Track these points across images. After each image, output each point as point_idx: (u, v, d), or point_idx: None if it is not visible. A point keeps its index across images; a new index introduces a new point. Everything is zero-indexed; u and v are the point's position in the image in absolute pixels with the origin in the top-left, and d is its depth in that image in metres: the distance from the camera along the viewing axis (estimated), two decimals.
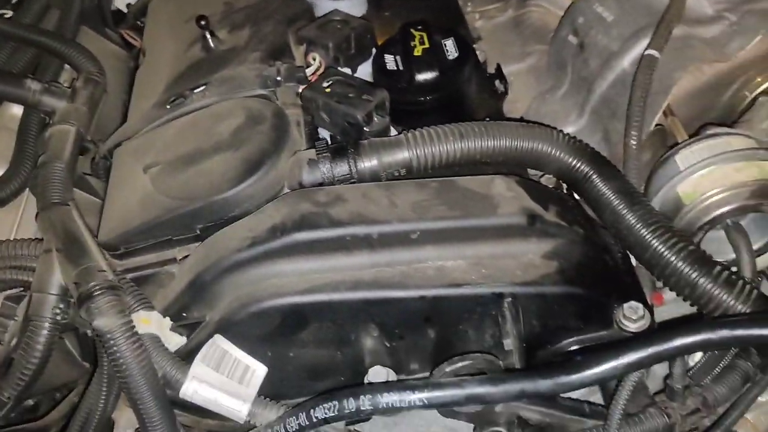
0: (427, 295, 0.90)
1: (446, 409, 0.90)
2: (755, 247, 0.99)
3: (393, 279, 0.91)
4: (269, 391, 0.90)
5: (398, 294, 0.90)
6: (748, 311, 0.86)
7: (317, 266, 0.92)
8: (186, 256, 1.02)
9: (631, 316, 0.90)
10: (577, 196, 1.04)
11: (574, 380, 0.78)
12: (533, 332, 0.93)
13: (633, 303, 0.91)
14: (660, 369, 0.97)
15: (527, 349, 0.93)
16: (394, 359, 0.95)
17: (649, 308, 0.93)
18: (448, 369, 0.84)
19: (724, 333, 0.75)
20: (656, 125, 1.11)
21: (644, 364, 0.77)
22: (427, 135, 1.00)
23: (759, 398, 1.01)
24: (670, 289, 0.91)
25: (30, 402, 1.16)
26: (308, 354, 0.94)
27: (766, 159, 0.95)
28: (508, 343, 0.90)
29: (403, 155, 1.00)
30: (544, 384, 0.78)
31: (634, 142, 1.03)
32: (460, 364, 0.84)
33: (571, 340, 0.95)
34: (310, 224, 0.93)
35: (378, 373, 0.89)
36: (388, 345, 0.94)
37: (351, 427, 0.92)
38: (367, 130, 1.07)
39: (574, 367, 0.78)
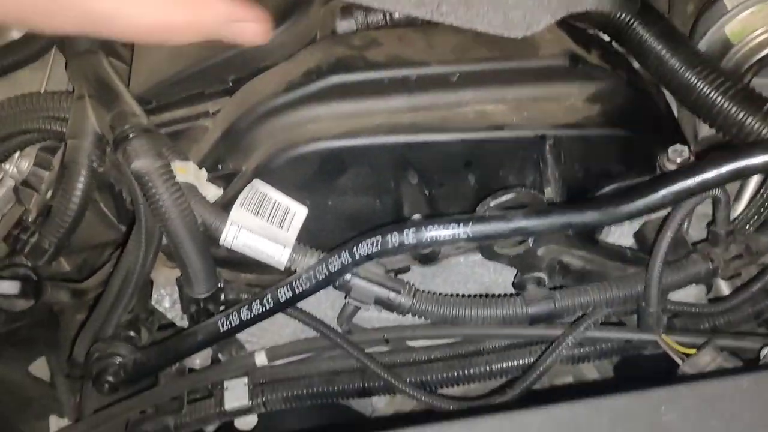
0: (467, 139, 0.88)
1: (489, 250, 0.90)
2: None
3: (432, 122, 0.89)
4: (308, 243, 0.90)
5: (438, 138, 0.89)
6: None
7: (354, 110, 0.90)
8: (219, 110, 1.00)
9: (676, 159, 0.88)
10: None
11: (622, 210, 0.77)
12: (575, 177, 0.92)
13: (678, 146, 0.89)
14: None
15: (568, 197, 0.91)
16: (434, 208, 0.94)
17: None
18: (492, 203, 0.83)
19: None
20: None
21: (694, 190, 0.75)
22: None
23: None
24: (717, 131, 0.89)
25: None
26: (347, 202, 0.93)
27: None
28: (549, 191, 0.89)
29: None
30: (591, 215, 0.77)
31: None
32: (504, 198, 0.83)
33: (613, 186, 0.94)
34: (346, 66, 0.91)
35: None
36: (428, 193, 0.93)
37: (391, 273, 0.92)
38: None
39: (622, 198, 0.77)
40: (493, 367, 0.96)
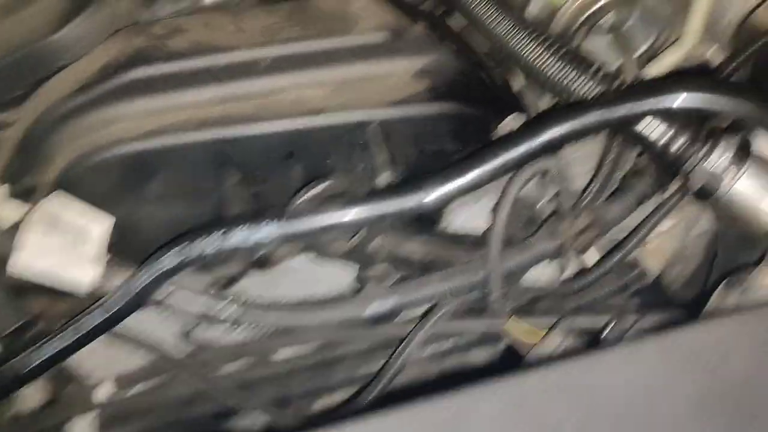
0: (285, 129, 0.81)
1: (320, 247, 0.82)
2: (639, 51, 0.92)
3: (245, 113, 0.81)
4: (127, 257, 0.80)
5: (253, 130, 0.81)
6: None
7: (159, 105, 0.81)
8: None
9: (507, 128, 0.82)
10: None
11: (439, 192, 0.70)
12: (411, 158, 0.85)
13: (514, 115, 0.83)
14: None
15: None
16: (264, 204, 0.86)
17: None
18: (306, 195, 0.75)
19: (595, 114, 0.68)
20: None
21: (520, 162, 0.69)
22: None
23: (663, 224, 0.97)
24: (553, 95, 0.83)
25: None
26: (163, 210, 0.84)
27: None
28: (384, 176, 0.82)
29: None
30: (409, 200, 0.70)
31: None
32: (319, 188, 0.75)
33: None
34: (146, 58, 0.83)
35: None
36: (253, 191, 0.85)
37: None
38: None
39: (441, 177, 0.70)
40: (355, 372, 0.90)
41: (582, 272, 0.92)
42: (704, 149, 0.74)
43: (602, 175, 0.91)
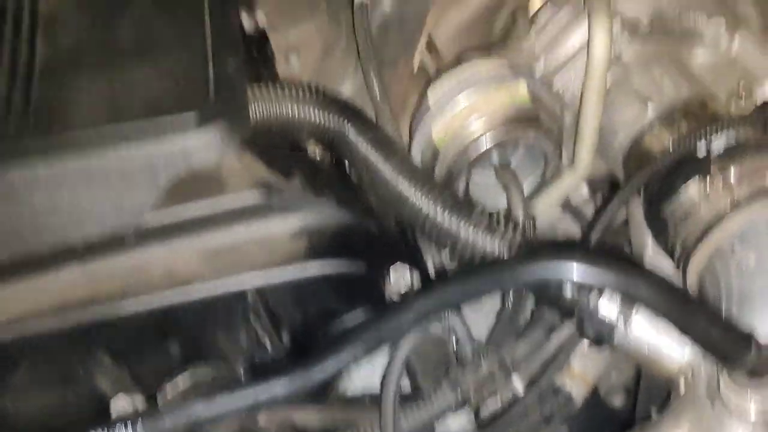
0: (153, 305, 0.75)
1: None
2: (528, 187, 0.89)
3: (112, 291, 0.76)
4: None
5: (119, 309, 0.75)
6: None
7: (17, 290, 0.75)
8: None
9: (399, 281, 0.78)
10: None
11: (314, 377, 0.65)
12: (297, 323, 0.80)
13: (398, 265, 0.79)
14: None
15: (305, 336, 0.80)
16: (143, 382, 0.80)
17: (421, 268, 0.81)
18: (170, 392, 0.69)
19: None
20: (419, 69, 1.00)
21: (381, 340, 0.65)
22: None
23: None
24: (435, 244, 0.80)
25: None
26: (32, 401, 0.78)
27: (518, 79, 0.84)
28: (268, 344, 0.78)
29: None
30: (280, 386, 0.65)
31: (377, 92, 0.92)
32: (181, 382, 0.69)
33: (347, 319, 0.83)
34: None
35: (119, 403, 0.74)
36: (129, 369, 0.79)
37: None
38: None
39: (312, 361, 0.65)
40: None
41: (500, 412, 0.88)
42: (593, 297, 0.70)
43: (504, 320, 0.87)
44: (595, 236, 0.87)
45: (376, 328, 0.65)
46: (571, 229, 1.13)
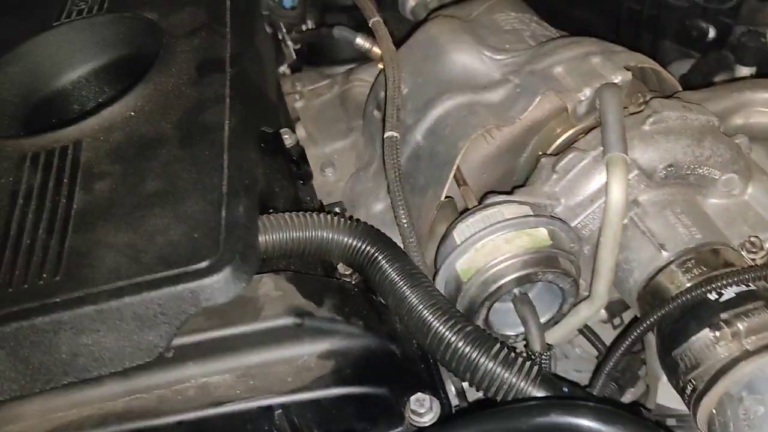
0: (185, 420, 0.80)
1: None
2: (546, 317, 0.94)
3: (148, 406, 0.81)
4: None
5: (153, 423, 0.80)
6: (532, 392, 0.80)
7: (61, 403, 0.81)
8: None
9: (418, 410, 0.82)
10: None
11: None
12: None
13: (419, 395, 0.83)
14: None
15: None
16: None
17: (441, 396, 0.85)
18: None
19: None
20: (447, 197, 1.06)
21: None
22: None
23: None
24: (456, 375, 0.84)
25: None
26: None
27: (538, 225, 0.90)
28: None
29: None
30: None
31: (404, 221, 0.98)
32: None
33: None
34: None
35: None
36: None
37: None
38: None
39: None
40: None
41: None
42: None
43: None
44: (606, 368, 0.91)
45: None
46: (585, 346, 1.17)
